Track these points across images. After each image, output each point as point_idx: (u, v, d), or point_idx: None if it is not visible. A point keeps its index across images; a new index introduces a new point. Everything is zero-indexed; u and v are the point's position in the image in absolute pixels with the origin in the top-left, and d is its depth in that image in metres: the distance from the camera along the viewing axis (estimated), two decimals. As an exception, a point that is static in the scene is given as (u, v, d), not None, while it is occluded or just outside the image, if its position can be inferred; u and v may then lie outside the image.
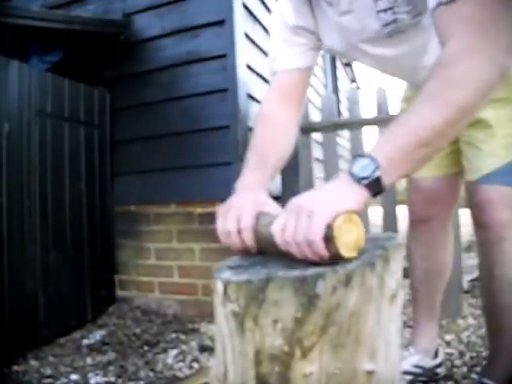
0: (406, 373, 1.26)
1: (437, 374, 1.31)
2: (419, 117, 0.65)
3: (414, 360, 1.28)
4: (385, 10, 0.84)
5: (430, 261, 1.27)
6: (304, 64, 1.00)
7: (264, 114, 1.00)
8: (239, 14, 2.32)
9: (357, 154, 0.69)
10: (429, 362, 1.30)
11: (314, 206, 0.61)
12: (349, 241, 0.60)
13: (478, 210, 1.01)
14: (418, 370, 1.28)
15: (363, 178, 0.62)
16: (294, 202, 0.64)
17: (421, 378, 1.28)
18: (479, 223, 1.02)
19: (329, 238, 0.59)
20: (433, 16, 0.71)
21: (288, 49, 1.00)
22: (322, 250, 0.59)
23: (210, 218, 2.22)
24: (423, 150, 0.65)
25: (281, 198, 2.30)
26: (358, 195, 0.63)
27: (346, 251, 0.59)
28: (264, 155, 0.90)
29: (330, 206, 0.60)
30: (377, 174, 0.63)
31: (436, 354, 1.32)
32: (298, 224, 0.60)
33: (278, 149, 0.93)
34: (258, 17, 2.63)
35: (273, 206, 0.78)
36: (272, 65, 1.02)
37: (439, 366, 1.32)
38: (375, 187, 0.63)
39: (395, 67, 1.01)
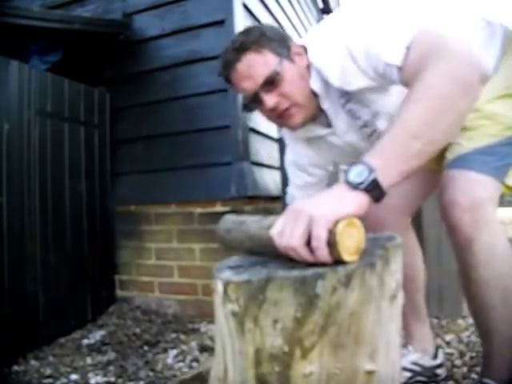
0: (405, 369, 1.25)
1: (437, 375, 1.31)
2: (403, 114, 0.68)
3: (412, 358, 1.28)
4: (368, 131, 1.11)
5: None
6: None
7: None
8: (239, 14, 2.32)
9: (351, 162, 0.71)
10: (428, 361, 1.29)
11: (313, 211, 0.61)
12: (350, 245, 0.60)
13: (445, 213, 0.98)
14: (416, 368, 1.27)
15: (360, 184, 0.63)
16: (293, 206, 0.65)
17: (420, 378, 1.28)
18: (447, 226, 0.99)
19: (331, 244, 0.59)
20: (402, 82, 0.84)
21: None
22: (325, 256, 0.59)
23: (210, 218, 2.22)
24: (415, 142, 0.66)
25: (281, 198, 2.30)
26: (356, 200, 0.63)
27: (347, 256, 0.59)
28: None
29: (329, 212, 0.61)
30: (372, 176, 0.63)
31: (436, 356, 1.31)
32: (296, 228, 0.60)
33: None
34: (258, 17, 2.63)
35: None
36: None
37: (440, 367, 1.32)
38: (374, 190, 0.64)
39: None
